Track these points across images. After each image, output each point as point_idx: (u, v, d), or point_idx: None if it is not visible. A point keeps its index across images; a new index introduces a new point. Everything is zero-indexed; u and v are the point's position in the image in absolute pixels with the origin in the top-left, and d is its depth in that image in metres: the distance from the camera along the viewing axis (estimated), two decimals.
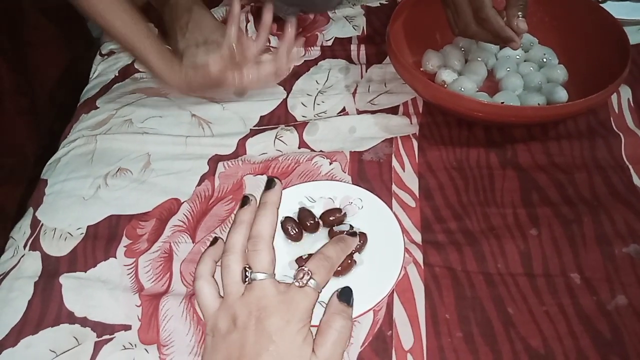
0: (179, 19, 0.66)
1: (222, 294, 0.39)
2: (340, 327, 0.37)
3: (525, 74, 0.59)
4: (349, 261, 0.43)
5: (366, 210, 0.48)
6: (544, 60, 0.60)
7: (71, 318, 0.43)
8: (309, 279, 0.38)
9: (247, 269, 0.39)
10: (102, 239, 0.48)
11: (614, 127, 0.54)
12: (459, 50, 0.61)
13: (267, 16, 0.58)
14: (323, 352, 0.36)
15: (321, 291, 0.38)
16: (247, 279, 0.38)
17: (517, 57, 0.61)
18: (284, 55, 0.58)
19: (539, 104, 0.54)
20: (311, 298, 0.38)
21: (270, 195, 0.42)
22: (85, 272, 0.46)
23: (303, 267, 0.39)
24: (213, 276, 0.40)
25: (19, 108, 0.80)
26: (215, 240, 0.43)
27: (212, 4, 0.75)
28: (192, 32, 0.66)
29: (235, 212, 0.43)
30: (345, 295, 0.39)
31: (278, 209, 0.43)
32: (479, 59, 0.61)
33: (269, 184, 0.43)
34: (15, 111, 0.80)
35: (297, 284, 0.38)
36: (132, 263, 0.47)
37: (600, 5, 0.59)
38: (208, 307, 0.39)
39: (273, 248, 0.40)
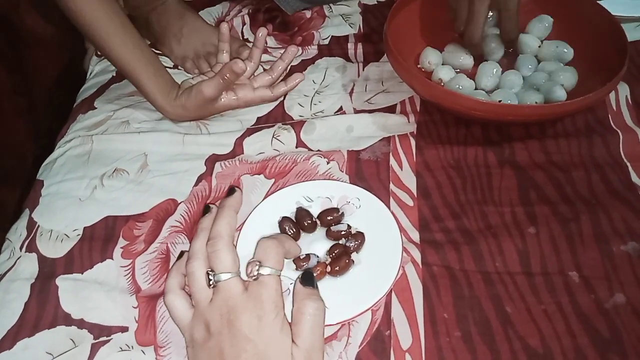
0: (171, 26, 0.66)
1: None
2: (313, 310, 0.37)
3: (529, 75, 0.58)
4: (347, 261, 0.43)
5: (364, 210, 0.48)
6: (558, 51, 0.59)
7: (68, 320, 0.43)
8: (258, 269, 0.38)
9: (209, 272, 0.39)
10: (98, 240, 0.48)
11: (612, 124, 0.54)
12: (462, 48, 0.61)
13: (261, 38, 0.59)
14: (302, 340, 0.36)
15: (279, 273, 0.39)
16: (211, 282, 0.38)
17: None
18: (279, 72, 0.60)
19: (536, 103, 0.54)
20: (272, 285, 0.37)
21: (229, 200, 0.44)
22: (82, 273, 0.46)
23: (251, 260, 0.39)
24: (183, 289, 0.40)
25: (17, 108, 0.80)
26: (181, 254, 0.43)
27: (208, 3, 0.75)
28: (187, 38, 0.66)
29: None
30: (307, 279, 0.40)
31: (237, 213, 0.44)
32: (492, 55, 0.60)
33: (230, 192, 0.45)
34: (14, 112, 0.79)
35: (251, 279, 0.38)
36: (129, 264, 0.47)
37: (598, 2, 0.58)
38: (182, 319, 0.39)
39: (234, 247, 0.40)
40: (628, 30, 0.55)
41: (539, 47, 0.60)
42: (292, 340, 0.36)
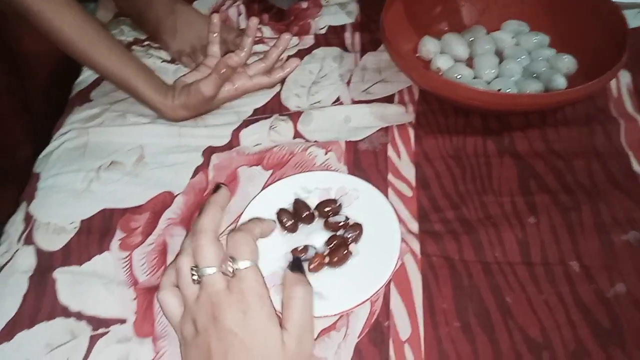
0: (164, 21, 0.65)
1: None
2: (302, 294, 0.38)
3: (529, 63, 0.58)
4: (345, 252, 0.43)
5: (362, 201, 0.47)
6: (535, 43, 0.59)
7: (66, 312, 0.43)
8: (234, 262, 0.37)
9: (193, 268, 0.38)
10: (96, 233, 0.48)
11: (613, 113, 0.54)
12: (461, 37, 0.60)
13: (252, 26, 0.58)
14: (293, 324, 0.36)
15: (254, 263, 0.38)
16: (194, 278, 0.38)
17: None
18: (273, 59, 0.59)
19: (536, 91, 0.53)
20: (251, 277, 0.37)
21: (214, 196, 0.44)
22: (80, 265, 0.46)
23: (221, 258, 0.38)
24: (175, 286, 0.40)
25: (12, 108, 0.79)
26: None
27: None
28: (182, 32, 0.65)
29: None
30: (295, 266, 0.40)
31: (222, 209, 0.43)
32: (486, 46, 0.59)
33: (216, 189, 0.45)
34: (9, 111, 0.79)
35: (229, 275, 0.37)
36: (127, 257, 0.46)
37: None
38: (173, 316, 0.39)
39: (218, 241, 0.40)
40: (629, 17, 0.54)
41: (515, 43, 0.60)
42: (283, 326, 0.36)
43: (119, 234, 0.48)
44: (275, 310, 0.37)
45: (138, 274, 0.45)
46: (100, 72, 0.56)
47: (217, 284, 0.37)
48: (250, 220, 0.45)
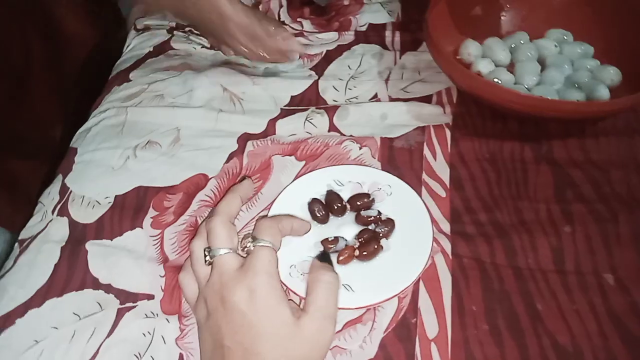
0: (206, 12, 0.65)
1: None
2: (328, 278, 0.37)
3: (572, 72, 0.57)
4: (376, 246, 0.43)
5: (395, 197, 0.47)
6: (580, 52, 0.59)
7: (96, 284, 0.44)
8: (253, 241, 0.38)
9: (206, 249, 0.38)
10: (129, 209, 0.49)
11: None
12: (503, 42, 0.59)
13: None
14: (316, 307, 0.36)
15: (273, 245, 0.38)
16: (206, 259, 0.38)
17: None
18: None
19: (578, 101, 0.52)
20: (265, 256, 0.37)
21: (237, 186, 0.44)
22: (112, 240, 0.46)
23: (243, 235, 0.39)
24: None
25: (49, 86, 0.81)
26: None
27: None
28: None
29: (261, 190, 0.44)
30: (323, 257, 0.40)
31: (242, 199, 0.43)
32: (529, 53, 0.58)
33: (241, 180, 0.46)
34: (46, 88, 0.80)
35: (244, 253, 0.37)
36: (158, 234, 0.47)
37: None
38: (190, 298, 0.39)
39: (230, 223, 0.40)
40: None
41: (558, 51, 0.59)
42: (304, 309, 0.36)
43: (151, 212, 0.48)
44: (299, 297, 0.37)
45: (168, 252, 0.46)
46: None
47: (227, 264, 0.37)
48: (282, 215, 0.44)
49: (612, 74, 0.54)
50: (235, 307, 0.35)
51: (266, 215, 0.45)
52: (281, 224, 0.41)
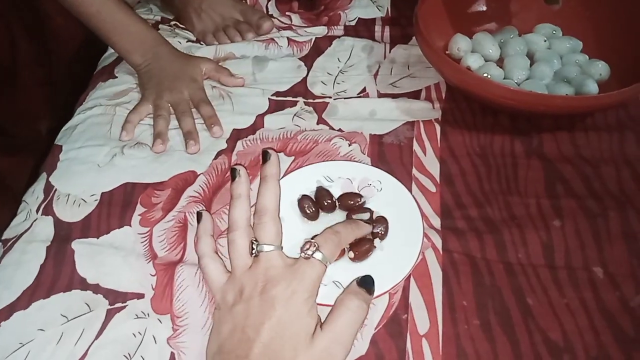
0: (191, 2, 0.66)
1: (229, 269, 0.40)
2: (355, 306, 0.37)
3: (561, 67, 0.57)
4: (367, 246, 0.42)
5: (385, 193, 0.47)
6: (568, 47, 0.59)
7: (83, 284, 0.43)
8: (315, 251, 0.38)
9: (253, 241, 0.39)
10: (116, 206, 0.48)
11: None
12: (493, 37, 0.59)
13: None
14: (332, 329, 0.36)
15: (328, 264, 0.38)
16: (254, 252, 0.38)
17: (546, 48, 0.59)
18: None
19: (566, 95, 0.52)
20: (318, 270, 0.37)
21: (269, 168, 0.42)
22: (98, 238, 0.46)
23: (310, 240, 0.39)
24: (216, 252, 0.41)
25: (35, 79, 0.79)
26: (200, 215, 0.43)
27: None
28: (207, 13, 0.66)
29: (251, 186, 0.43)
30: (366, 283, 0.39)
31: (279, 179, 0.42)
32: (518, 48, 0.58)
33: (265, 157, 0.43)
34: (32, 82, 0.79)
35: (303, 255, 0.38)
36: (147, 232, 0.46)
37: None
38: (215, 281, 0.39)
39: (279, 220, 0.40)
40: None
41: (547, 46, 0.59)
42: (320, 326, 0.36)
43: (139, 209, 0.48)
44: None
45: (157, 249, 0.45)
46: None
47: (276, 260, 0.38)
48: (352, 221, 0.43)
49: (600, 68, 0.55)
50: (271, 300, 0.35)
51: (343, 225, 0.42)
52: (345, 240, 0.40)
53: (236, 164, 0.48)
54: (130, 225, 0.46)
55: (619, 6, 0.57)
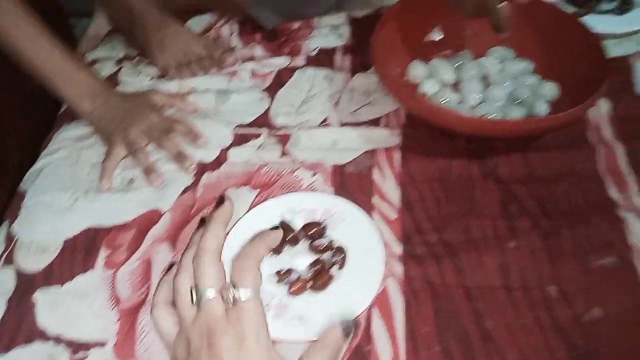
0: (152, 38, 0.67)
1: None
2: (334, 340, 0.38)
3: (513, 89, 0.59)
4: (326, 277, 0.43)
5: (347, 223, 0.48)
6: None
7: (44, 336, 0.43)
8: (235, 294, 0.37)
9: (192, 289, 0.38)
10: (80, 252, 0.48)
11: (592, 140, 0.55)
12: (449, 62, 0.61)
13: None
14: (310, 357, 0.37)
15: (259, 291, 0.38)
16: (194, 299, 0.37)
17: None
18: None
19: (520, 117, 0.54)
20: (252, 309, 0.37)
21: (218, 212, 0.42)
22: (62, 285, 0.46)
23: (224, 284, 0.38)
24: (171, 303, 0.40)
25: (7, 105, 0.79)
26: (170, 266, 0.43)
27: (194, 13, 0.75)
28: (169, 48, 0.67)
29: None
30: (348, 329, 0.39)
31: (226, 225, 0.42)
32: (472, 72, 0.60)
33: (219, 202, 0.44)
34: (6, 112, 0.78)
35: (230, 304, 0.37)
36: (111, 275, 0.46)
37: (580, 19, 0.59)
38: (166, 335, 0.38)
39: (219, 261, 0.39)
40: (610, 47, 0.55)
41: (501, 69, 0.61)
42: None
43: (103, 252, 0.48)
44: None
45: (121, 293, 0.45)
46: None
47: (215, 309, 0.37)
48: (256, 237, 0.43)
49: (549, 89, 0.57)
50: (219, 354, 0.35)
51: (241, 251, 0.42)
52: (258, 258, 0.41)
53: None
54: (94, 268, 0.47)
55: (567, 27, 0.59)
